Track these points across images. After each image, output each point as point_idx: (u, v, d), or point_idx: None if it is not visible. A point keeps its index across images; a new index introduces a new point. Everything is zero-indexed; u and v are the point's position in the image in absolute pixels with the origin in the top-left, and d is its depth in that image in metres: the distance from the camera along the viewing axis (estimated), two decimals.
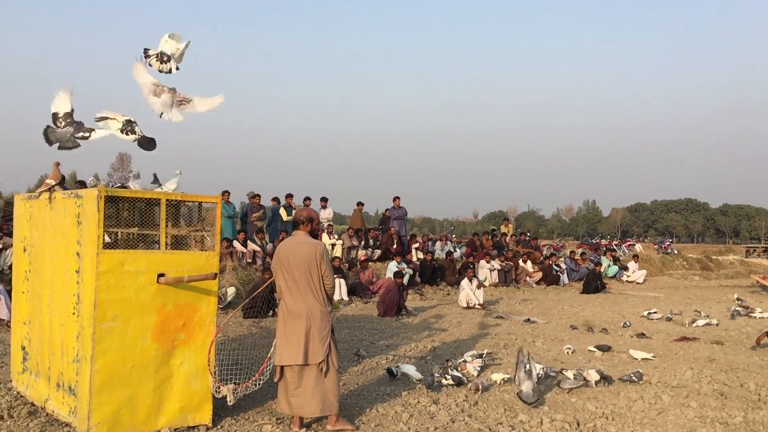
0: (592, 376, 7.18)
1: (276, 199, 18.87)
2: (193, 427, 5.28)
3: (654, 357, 8.83)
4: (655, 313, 13.58)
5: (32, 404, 5.75)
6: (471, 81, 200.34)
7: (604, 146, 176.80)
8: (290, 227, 17.76)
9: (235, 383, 5.41)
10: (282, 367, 5.36)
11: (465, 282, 14.72)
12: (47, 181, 5.60)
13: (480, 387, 6.72)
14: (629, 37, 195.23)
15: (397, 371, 7.34)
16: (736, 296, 16.39)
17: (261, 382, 5.57)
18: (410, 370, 7.32)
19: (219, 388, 5.39)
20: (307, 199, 19.02)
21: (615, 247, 30.21)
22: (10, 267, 10.00)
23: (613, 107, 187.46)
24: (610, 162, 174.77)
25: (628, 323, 12.23)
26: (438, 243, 21.67)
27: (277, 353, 5.37)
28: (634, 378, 7.32)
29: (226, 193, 16.90)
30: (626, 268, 23.40)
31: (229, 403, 5.48)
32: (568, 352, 9.17)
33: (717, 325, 12.41)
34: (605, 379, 7.22)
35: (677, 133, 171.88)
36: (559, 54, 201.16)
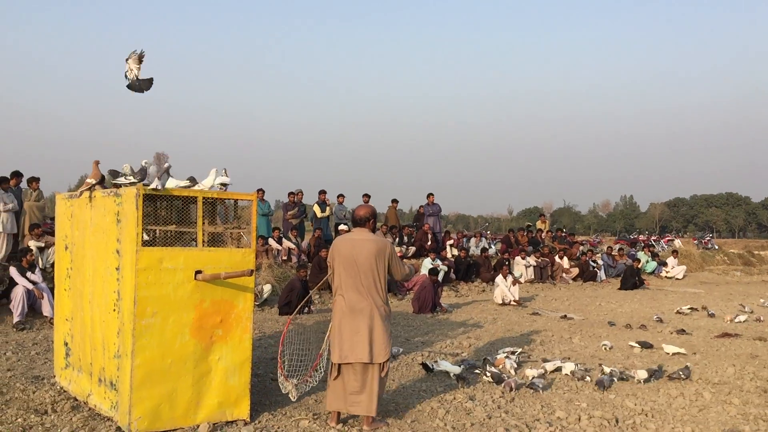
0: (640, 375, 7.09)
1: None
2: (232, 422, 5.34)
3: (685, 352, 8.70)
4: (690, 309, 13.37)
5: (75, 399, 5.88)
6: (506, 73, 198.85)
7: (642, 140, 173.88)
8: (324, 223, 17.86)
9: (296, 378, 5.50)
10: (339, 365, 5.35)
11: (500, 278, 14.62)
12: (87, 180, 5.71)
13: (514, 385, 6.67)
14: (665, 25, 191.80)
15: (433, 366, 7.33)
16: None
17: (317, 380, 5.63)
18: (447, 365, 7.30)
19: (285, 383, 5.49)
20: (341, 195, 19.08)
21: (653, 242, 29.71)
22: (53, 265, 10.23)
23: (651, 99, 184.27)
24: (648, 156, 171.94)
25: (659, 317, 12.10)
26: (473, 239, 21.58)
27: (336, 350, 5.32)
28: (682, 375, 7.17)
29: (260, 191, 17.05)
30: (665, 264, 23.00)
31: (292, 399, 5.57)
32: (605, 349, 9.06)
33: (760, 321, 12.14)
34: (654, 375, 7.13)
35: (718, 125, 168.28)
36: (594, 43, 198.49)
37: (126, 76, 5.68)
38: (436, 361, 7.51)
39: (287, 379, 5.52)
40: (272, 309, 12.56)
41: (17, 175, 12.52)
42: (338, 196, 19.08)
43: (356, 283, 5.32)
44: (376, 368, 5.29)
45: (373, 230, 5.62)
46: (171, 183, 5.46)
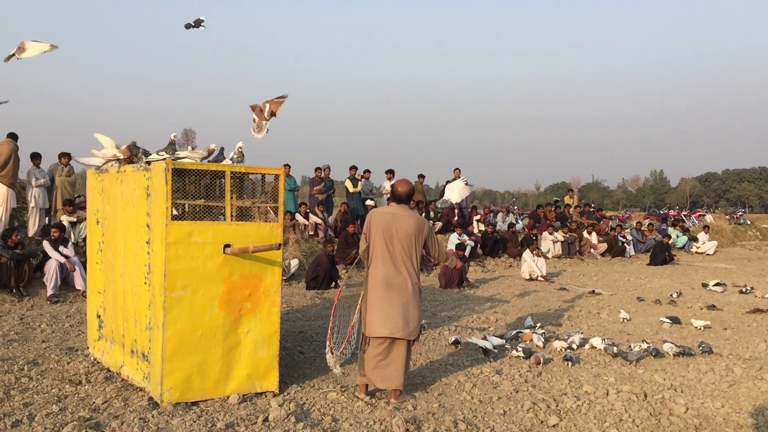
0: (668, 349, 7.06)
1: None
2: (261, 394, 5.41)
3: (710, 326, 8.64)
4: (718, 284, 13.18)
5: (108, 370, 6.00)
6: (532, 50, 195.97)
7: (672, 113, 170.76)
8: (356, 198, 17.88)
9: (332, 350, 5.59)
10: (369, 338, 5.36)
11: (527, 253, 14.55)
12: (116, 153, 5.77)
13: (542, 360, 6.67)
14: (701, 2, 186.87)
15: (460, 340, 7.35)
16: None
17: (350, 351, 5.70)
18: (477, 339, 7.30)
19: (330, 357, 5.58)
20: (367, 171, 19.04)
21: (684, 217, 29.30)
22: (85, 239, 10.39)
23: (681, 71, 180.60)
24: (678, 130, 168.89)
25: (678, 292, 12.09)
26: (500, 215, 21.45)
27: (369, 323, 5.32)
28: (699, 351, 7.12)
29: (286, 166, 17.09)
30: (696, 240, 22.68)
31: (336, 372, 5.69)
32: (624, 321, 9.18)
33: None
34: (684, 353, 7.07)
35: (750, 97, 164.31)
36: (622, 16, 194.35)
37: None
38: (467, 340, 7.51)
39: (332, 353, 5.57)
40: (299, 284, 12.66)
41: (37, 156, 12.54)
42: (365, 172, 19.06)
43: (393, 258, 5.31)
44: (405, 343, 5.32)
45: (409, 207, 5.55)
46: (185, 154, 5.52)
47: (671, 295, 11.92)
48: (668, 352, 7.03)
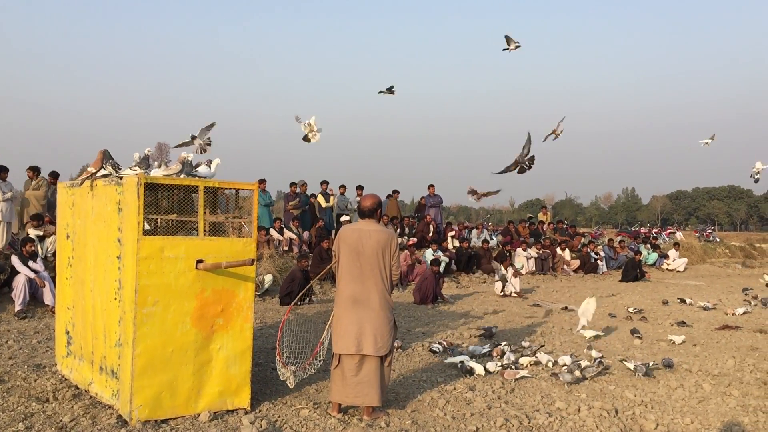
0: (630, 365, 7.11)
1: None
2: (232, 411, 5.35)
3: (685, 341, 8.75)
4: (680, 300, 13.48)
5: (76, 387, 5.90)
6: (507, 66, 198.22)
7: (644, 132, 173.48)
8: (328, 214, 17.86)
9: (294, 365, 5.54)
10: (340, 355, 5.34)
11: (501, 270, 14.63)
12: (89, 168, 5.70)
13: (513, 376, 6.70)
14: (666, 24, 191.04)
15: (438, 349, 7.38)
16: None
17: (315, 368, 5.65)
18: (464, 358, 7.25)
19: (283, 369, 5.51)
20: (342, 186, 19.05)
21: (655, 234, 29.70)
22: (54, 254, 10.25)
23: (652, 90, 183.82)
24: (649, 149, 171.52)
25: (635, 309, 12.20)
26: (474, 231, 21.57)
27: (337, 340, 5.31)
28: (662, 365, 7.20)
29: (262, 181, 17.04)
30: (666, 256, 23.01)
31: (290, 386, 5.58)
32: (588, 338, 9.26)
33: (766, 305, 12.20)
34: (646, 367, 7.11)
35: (719, 117, 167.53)
36: (592, 37, 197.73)
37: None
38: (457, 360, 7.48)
39: (285, 366, 5.55)
40: (273, 299, 12.58)
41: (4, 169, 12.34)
42: (339, 187, 19.08)
43: (360, 274, 5.30)
44: (377, 360, 5.29)
45: (379, 221, 5.57)
46: (158, 171, 5.47)
47: (629, 310, 12.11)
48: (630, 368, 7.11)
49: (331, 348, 5.45)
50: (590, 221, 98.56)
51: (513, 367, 7.13)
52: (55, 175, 13.27)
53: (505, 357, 7.46)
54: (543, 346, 8.28)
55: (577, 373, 6.66)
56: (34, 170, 13.13)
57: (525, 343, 8.27)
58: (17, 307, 9.97)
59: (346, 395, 5.30)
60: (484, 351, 7.83)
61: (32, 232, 11.71)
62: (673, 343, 8.81)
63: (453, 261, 17.45)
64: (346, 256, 5.36)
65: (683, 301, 13.46)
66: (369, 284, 5.29)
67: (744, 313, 12.05)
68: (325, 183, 18.66)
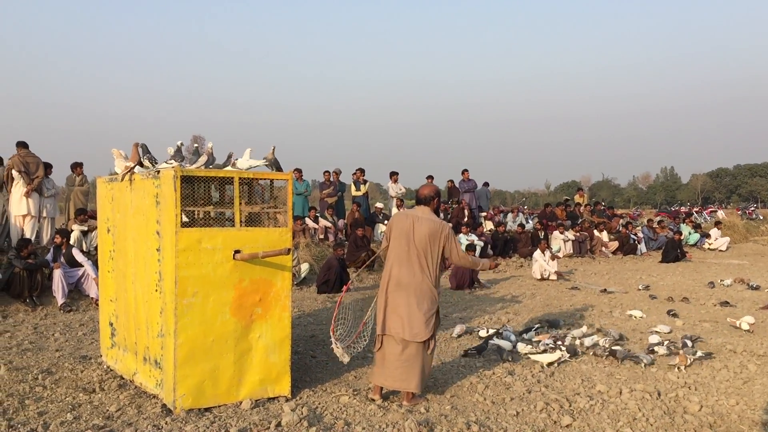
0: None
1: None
2: (273, 399, 5.41)
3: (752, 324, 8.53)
4: (723, 282, 13.19)
5: (121, 377, 6.03)
6: (540, 49, 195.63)
7: (682, 109, 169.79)
8: (362, 201, 17.89)
9: (343, 343, 5.58)
10: (383, 338, 5.41)
11: (538, 253, 14.51)
12: (127, 163, 5.80)
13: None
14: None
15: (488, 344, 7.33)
16: None
17: (363, 344, 5.68)
18: (506, 344, 7.24)
19: (336, 344, 5.55)
20: (360, 170, 18.91)
21: (696, 214, 29.14)
22: (96, 248, 10.47)
23: (690, 66, 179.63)
24: (688, 126, 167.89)
25: (644, 286, 12.52)
26: (510, 215, 21.42)
27: (379, 323, 5.40)
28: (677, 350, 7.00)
29: (297, 170, 17.14)
30: (708, 236, 22.55)
31: (344, 362, 5.60)
32: (635, 317, 9.32)
33: None
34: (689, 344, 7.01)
35: (761, 92, 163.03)
36: (630, 13, 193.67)
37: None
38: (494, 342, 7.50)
39: (337, 343, 5.58)
40: (310, 288, 12.68)
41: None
42: (355, 171, 18.96)
43: (407, 259, 5.34)
44: (418, 345, 5.31)
45: (437, 210, 5.58)
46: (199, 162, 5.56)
47: (640, 287, 12.47)
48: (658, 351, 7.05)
49: (374, 331, 5.49)
50: (628, 202, 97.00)
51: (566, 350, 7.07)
52: (80, 165, 13.52)
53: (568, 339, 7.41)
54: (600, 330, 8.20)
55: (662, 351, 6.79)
56: (78, 166, 13.42)
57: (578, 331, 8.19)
58: (59, 301, 10.21)
59: (386, 378, 5.34)
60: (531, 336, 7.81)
61: (76, 227, 11.99)
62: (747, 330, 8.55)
63: (489, 245, 17.35)
64: (396, 241, 5.42)
65: (713, 284, 13.18)
66: (415, 270, 5.31)
67: None
68: (360, 171, 18.64)
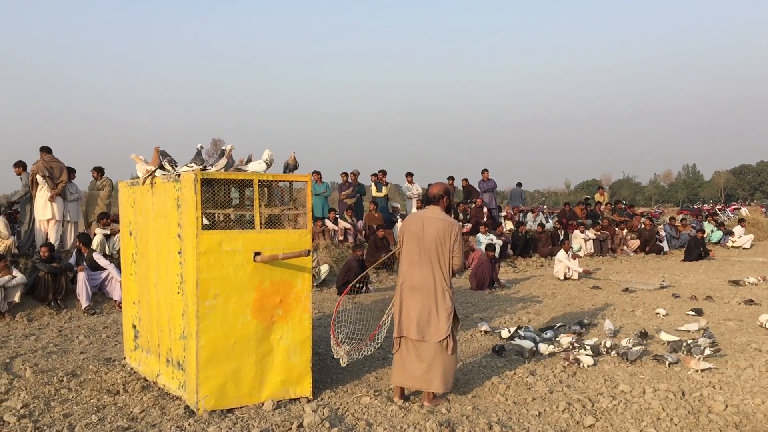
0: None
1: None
2: (295, 400, 5.44)
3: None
4: (748, 280, 13.02)
5: (145, 379, 6.09)
6: (559, 47, 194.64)
7: (703, 106, 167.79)
8: (381, 202, 17.87)
9: (349, 345, 5.66)
10: (400, 339, 5.42)
11: (561, 253, 14.40)
12: (148, 167, 5.85)
13: (572, 358, 6.61)
14: None
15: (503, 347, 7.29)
16: None
17: (374, 348, 5.73)
18: (522, 341, 7.23)
19: (337, 348, 5.64)
20: (382, 172, 18.91)
21: (718, 211, 28.78)
22: (119, 251, 10.58)
23: (711, 62, 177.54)
24: (710, 123, 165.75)
25: (665, 283, 12.68)
26: (530, 214, 21.31)
27: (396, 324, 5.43)
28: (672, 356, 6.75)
29: (316, 173, 17.20)
30: (731, 234, 22.26)
31: (342, 364, 5.68)
32: (660, 315, 9.28)
33: None
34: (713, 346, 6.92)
35: None
36: (648, 7, 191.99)
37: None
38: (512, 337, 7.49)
39: (339, 345, 5.63)
40: (330, 289, 12.71)
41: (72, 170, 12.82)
42: (378, 172, 18.96)
43: (419, 260, 5.35)
44: (436, 345, 5.30)
45: (448, 209, 5.56)
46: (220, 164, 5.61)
47: (662, 281, 12.72)
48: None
49: (391, 334, 5.50)
50: (650, 200, 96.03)
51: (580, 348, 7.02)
52: (100, 170, 13.67)
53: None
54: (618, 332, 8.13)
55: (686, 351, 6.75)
56: (99, 171, 13.58)
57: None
58: (83, 304, 10.33)
59: (406, 378, 5.35)
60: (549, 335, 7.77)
61: (99, 231, 12.11)
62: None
63: (509, 245, 17.28)
64: (409, 242, 5.43)
65: (738, 282, 12.99)
66: (427, 271, 5.32)
67: None
68: (381, 172, 18.65)
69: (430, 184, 5.67)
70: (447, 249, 5.33)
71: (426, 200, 5.59)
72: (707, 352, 6.62)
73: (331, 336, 5.71)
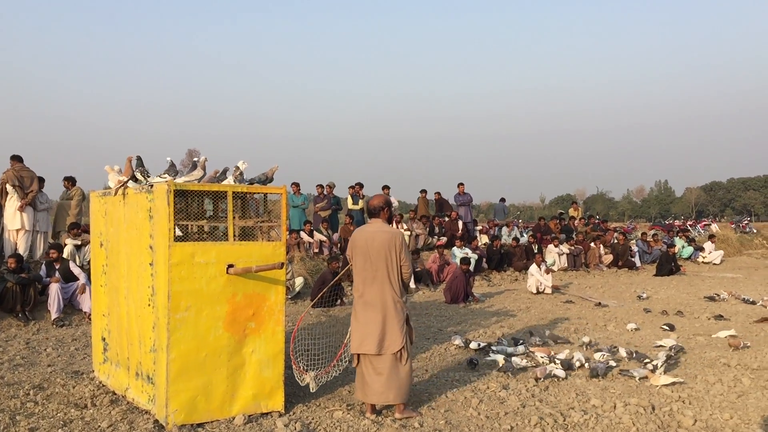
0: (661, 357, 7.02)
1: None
2: (266, 414, 5.39)
3: (735, 336, 8.51)
4: (719, 295, 13.20)
5: (114, 393, 5.99)
6: (535, 63, 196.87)
7: (675, 123, 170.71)
8: (357, 215, 17.85)
9: (314, 370, 5.61)
10: (359, 355, 5.43)
11: (533, 268, 14.50)
12: (120, 178, 5.79)
13: (540, 374, 6.63)
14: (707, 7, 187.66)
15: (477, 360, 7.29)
16: None
17: (340, 369, 5.73)
18: (497, 356, 7.27)
19: (302, 376, 5.60)
20: (359, 185, 18.92)
21: (690, 227, 29.20)
22: (89, 262, 10.44)
23: (684, 80, 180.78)
24: (682, 140, 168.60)
25: (644, 295, 13.21)
26: (505, 228, 21.43)
27: (353, 341, 5.44)
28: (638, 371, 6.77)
29: (295, 184, 17.16)
30: (702, 249, 22.59)
31: (312, 390, 5.66)
32: (632, 330, 9.39)
33: None
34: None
35: (753, 105, 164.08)
36: (623, 29, 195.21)
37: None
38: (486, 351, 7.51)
39: (305, 372, 5.63)
40: (305, 302, 12.65)
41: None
42: (356, 186, 18.95)
43: (370, 275, 5.38)
44: (389, 358, 5.32)
45: (389, 220, 5.61)
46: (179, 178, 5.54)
47: (639, 296, 13.16)
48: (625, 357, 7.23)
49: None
50: (622, 215, 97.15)
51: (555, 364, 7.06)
52: (71, 180, 13.46)
53: (576, 358, 7.29)
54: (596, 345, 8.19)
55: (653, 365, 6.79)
56: (70, 180, 13.40)
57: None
58: (53, 316, 10.16)
59: (366, 394, 5.37)
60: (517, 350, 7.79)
61: (69, 242, 11.93)
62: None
63: (484, 259, 17.34)
64: (358, 258, 5.46)
65: (713, 298, 13.14)
66: (377, 285, 5.35)
67: None
68: (359, 185, 18.64)
69: (375, 196, 5.67)
70: (394, 260, 5.35)
71: (369, 213, 5.62)
72: (662, 368, 6.67)
73: (293, 365, 5.66)
